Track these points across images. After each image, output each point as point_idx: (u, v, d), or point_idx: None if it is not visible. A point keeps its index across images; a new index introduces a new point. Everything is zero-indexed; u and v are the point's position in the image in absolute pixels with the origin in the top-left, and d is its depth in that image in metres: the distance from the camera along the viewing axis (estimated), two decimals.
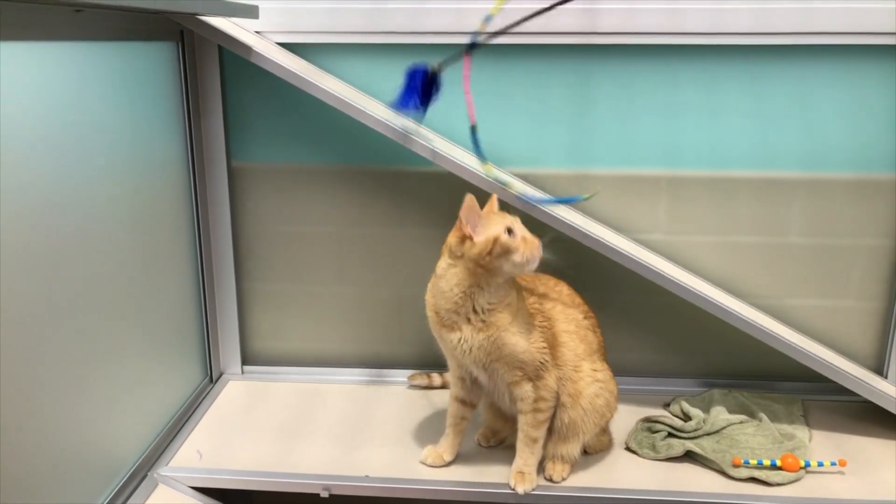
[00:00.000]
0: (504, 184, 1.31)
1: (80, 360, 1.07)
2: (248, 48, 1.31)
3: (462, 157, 1.37)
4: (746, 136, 1.44)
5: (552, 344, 1.21)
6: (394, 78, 1.44)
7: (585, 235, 1.35)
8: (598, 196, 1.48)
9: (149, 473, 1.26)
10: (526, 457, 1.22)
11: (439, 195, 1.51)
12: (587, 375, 1.23)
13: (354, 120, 1.35)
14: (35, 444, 0.98)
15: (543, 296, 1.25)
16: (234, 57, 1.42)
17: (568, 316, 1.25)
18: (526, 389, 1.18)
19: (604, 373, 1.26)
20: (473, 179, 1.34)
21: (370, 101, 1.41)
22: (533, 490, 1.21)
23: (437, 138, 1.42)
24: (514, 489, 1.21)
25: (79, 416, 1.08)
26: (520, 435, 1.22)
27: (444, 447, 1.28)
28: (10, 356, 0.92)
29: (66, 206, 1.03)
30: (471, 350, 1.16)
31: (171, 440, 1.36)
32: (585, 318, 1.28)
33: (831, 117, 1.41)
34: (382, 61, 1.45)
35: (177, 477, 1.26)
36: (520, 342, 1.15)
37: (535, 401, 1.18)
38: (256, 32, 1.42)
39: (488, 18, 1.22)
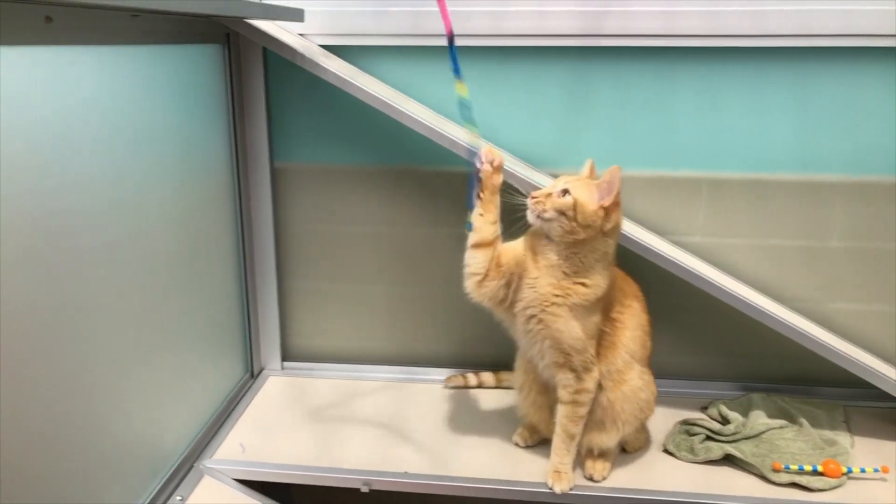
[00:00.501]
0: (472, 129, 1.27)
1: (128, 355, 1.11)
2: (292, 50, 1.34)
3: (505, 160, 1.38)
4: (788, 138, 1.43)
5: (609, 346, 1.22)
6: (434, 80, 1.46)
7: (623, 237, 1.35)
8: (637, 198, 1.48)
9: (194, 465, 1.30)
10: (562, 455, 1.23)
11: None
12: (635, 374, 1.24)
13: (394, 121, 1.37)
14: (87, 436, 1.01)
15: (629, 305, 1.25)
16: (277, 59, 1.45)
17: (639, 321, 1.26)
18: (568, 377, 1.19)
19: (648, 376, 1.27)
20: (511, 179, 1.35)
21: (410, 103, 1.43)
22: (570, 489, 1.22)
23: (477, 139, 1.43)
24: (551, 488, 1.22)
25: (128, 410, 1.12)
26: (557, 430, 1.23)
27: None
28: (63, 351, 0.95)
29: (120, 204, 1.07)
30: (535, 288, 1.17)
31: (215, 433, 1.40)
32: (649, 322, 1.30)
33: (874, 120, 1.40)
34: (423, 63, 1.46)
35: (221, 469, 1.30)
36: (576, 329, 1.16)
37: (577, 392, 1.19)
38: (300, 35, 1.44)
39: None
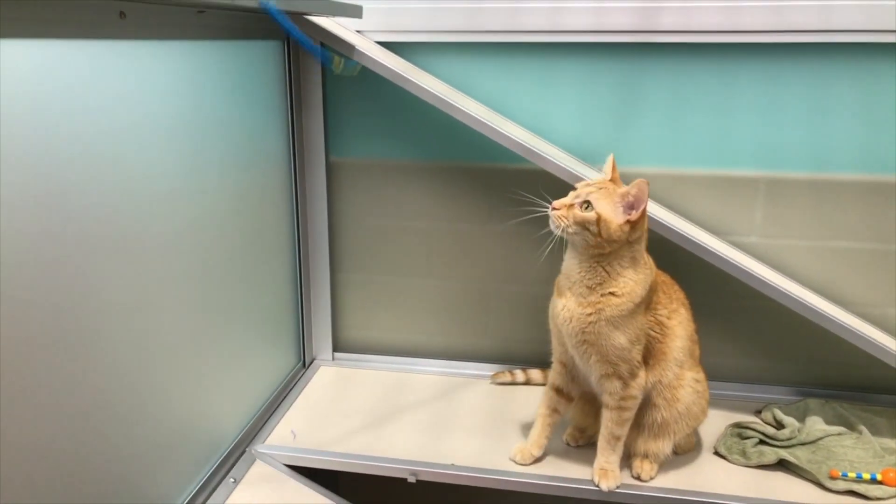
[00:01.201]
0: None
1: (186, 342, 1.15)
2: (350, 46, 1.36)
3: (555, 155, 1.38)
4: (851, 137, 1.39)
5: (659, 357, 1.20)
6: (490, 76, 1.47)
7: (680, 236, 1.34)
8: (693, 197, 1.46)
9: (247, 450, 1.34)
10: (608, 454, 1.22)
11: (529, 192, 1.52)
12: (688, 385, 1.22)
13: (446, 117, 1.38)
14: (147, 419, 1.06)
15: (675, 311, 1.23)
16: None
17: (686, 329, 1.23)
18: (615, 385, 1.18)
19: (703, 383, 1.25)
20: (565, 176, 1.35)
21: (465, 99, 1.44)
22: (617, 487, 1.21)
23: (530, 135, 1.44)
24: (597, 486, 1.21)
25: (185, 395, 1.16)
26: (603, 432, 1.22)
27: (532, 442, 1.29)
28: (126, 338, 1.00)
29: (182, 196, 1.11)
30: (570, 320, 1.16)
31: (267, 420, 1.43)
32: (696, 329, 1.27)
33: None
34: (479, 60, 1.47)
35: (273, 454, 1.33)
36: (619, 338, 1.14)
37: (622, 399, 1.18)
38: (357, 31, 1.47)
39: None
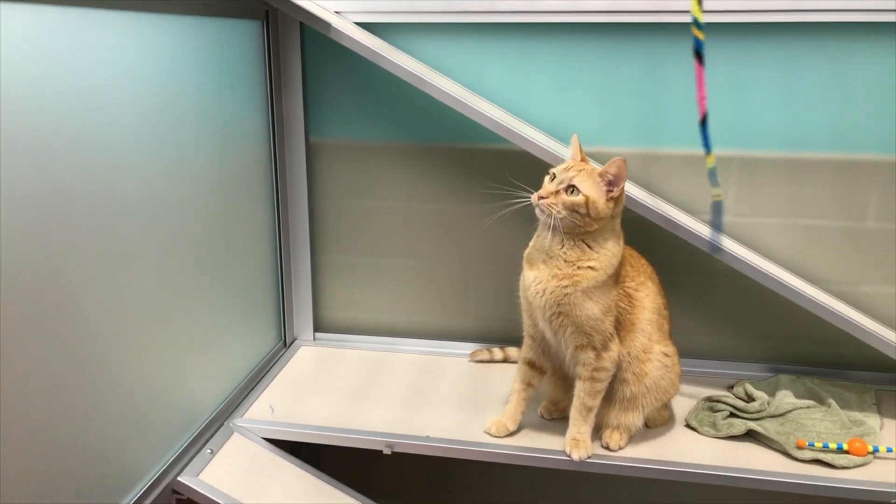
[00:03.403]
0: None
1: (166, 316, 1.17)
2: (327, 24, 1.38)
3: (533, 135, 1.40)
4: (822, 116, 1.41)
5: (628, 328, 1.22)
6: (468, 57, 1.49)
7: (655, 214, 1.36)
8: (669, 176, 1.48)
9: (225, 423, 1.35)
10: (579, 425, 1.24)
11: (509, 172, 1.53)
12: (656, 359, 1.24)
13: (427, 98, 1.40)
14: (121, 391, 1.07)
15: (643, 283, 1.25)
16: (314, 37, 1.50)
17: (653, 302, 1.26)
18: (589, 356, 1.20)
19: (672, 357, 1.27)
20: (545, 157, 1.37)
21: (444, 79, 1.46)
22: (588, 457, 1.23)
23: (508, 116, 1.45)
24: (569, 455, 1.23)
25: (164, 368, 1.17)
26: (575, 402, 1.24)
27: (508, 416, 1.31)
28: (104, 312, 1.01)
29: (158, 175, 1.12)
30: (543, 293, 1.18)
31: (246, 395, 1.45)
32: (665, 305, 1.29)
33: None
34: (457, 41, 1.49)
35: (250, 428, 1.35)
36: (593, 309, 1.17)
37: (595, 370, 1.20)
38: (336, 13, 1.48)
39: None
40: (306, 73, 1.55)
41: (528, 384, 1.30)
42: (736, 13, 1.36)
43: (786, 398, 1.37)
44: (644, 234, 1.41)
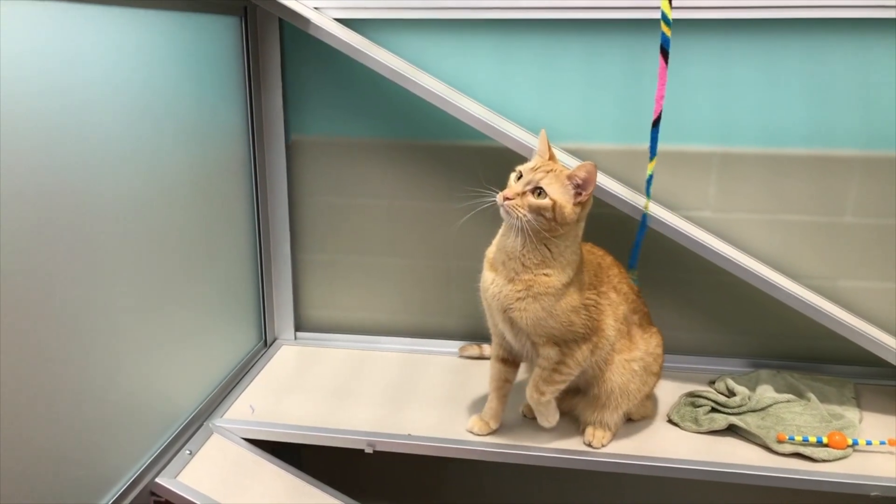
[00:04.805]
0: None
1: (143, 315, 1.15)
2: (306, 20, 1.37)
3: (514, 131, 1.40)
4: (801, 112, 1.42)
5: (593, 333, 1.21)
6: (450, 54, 1.48)
7: (634, 208, 1.36)
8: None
9: (204, 423, 1.33)
10: (532, 393, 1.24)
11: (490, 169, 1.53)
12: (618, 366, 1.23)
13: (408, 95, 1.39)
14: (97, 391, 1.05)
15: (605, 293, 1.23)
16: (293, 34, 1.48)
17: (617, 314, 1.23)
18: (551, 352, 1.19)
19: (639, 362, 1.25)
20: (524, 152, 1.36)
21: (425, 76, 1.45)
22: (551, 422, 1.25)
23: (489, 113, 1.45)
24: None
25: (138, 368, 1.15)
26: (529, 383, 1.24)
27: (489, 414, 1.30)
28: (81, 311, 1.00)
29: (134, 172, 1.10)
30: (498, 296, 1.17)
31: (226, 395, 1.43)
32: (632, 304, 1.27)
33: (889, 94, 1.38)
34: (437, 37, 1.48)
35: (230, 428, 1.33)
36: (545, 313, 1.15)
37: (558, 363, 1.19)
38: (315, 8, 1.47)
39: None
40: (286, 70, 1.53)
41: (505, 380, 1.30)
42: (715, 9, 1.37)
43: (766, 392, 1.38)
44: (624, 231, 1.41)
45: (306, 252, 1.66)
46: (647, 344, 1.27)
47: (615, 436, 1.28)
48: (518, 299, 1.15)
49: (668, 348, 1.49)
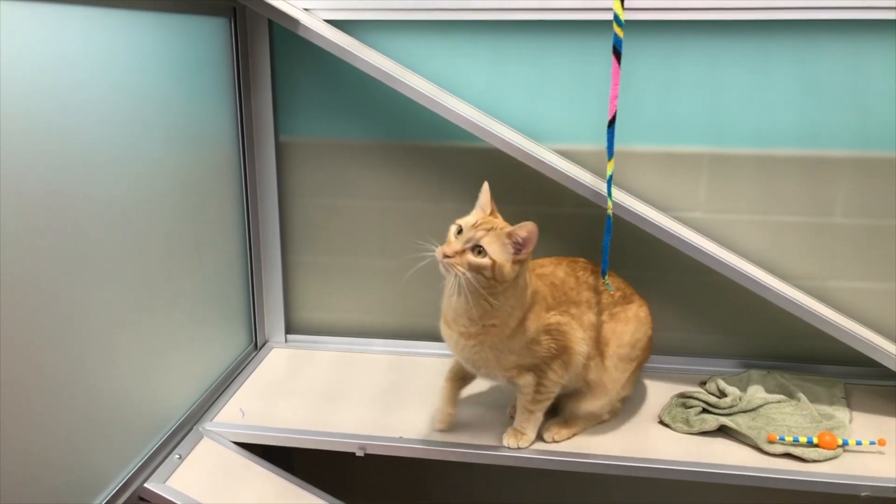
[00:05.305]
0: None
1: (132, 318, 1.14)
2: (296, 21, 1.36)
3: (505, 133, 1.39)
4: (792, 113, 1.42)
5: (562, 352, 1.21)
6: (438, 55, 1.47)
7: (625, 209, 1.36)
8: (640, 173, 1.48)
9: (194, 427, 1.32)
10: (522, 421, 1.26)
11: (480, 170, 1.53)
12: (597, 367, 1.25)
13: (398, 96, 1.38)
14: (85, 395, 1.04)
15: (565, 311, 1.23)
16: (282, 35, 1.48)
17: (583, 323, 1.24)
18: (527, 379, 1.21)
19: (612, 347, 1.26)
20: (517, 154, 1.36)
21: (415, 77, 1.44)
22: (525, 447, 1.25)
23: (479, 114, 1.45)
24: (505, 444, 1.26)
25: (131, 372, 1.15)
26: (518, 402, 1.26)
27: (443, 410, 1.31)
28: (70, 314, 0.99)
29: (124, 174, 1.09)
30: (456, 347, 1.20)
31: (216, 399, 1.42)
32: (598, 304, 1.27)
33: (879, 94, 1.38)
34: (428, 39, 1.48)
35: (220, 432, 1.32)
36: (506, 358, 1.17)
37: (537, 385, 1.22)
38: (305, 10, 1.46)
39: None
40: (275, 71, 1.53)
41: (458, 390, 1.32)
42: (707, 10, 1.37)
43: (757, 393, 1.38)
44: (614, 231, 1.41)
45: (296, 254, 1.66)
46: (620, 337, 1.27)
47: (605, 436, 1.28)
48: (475, 351, 1.17)
49: (660, 349, 1.50)
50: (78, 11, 0.97)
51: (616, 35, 1.15)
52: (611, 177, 1.25)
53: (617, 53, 1.16)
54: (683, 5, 1.37)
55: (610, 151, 1.23)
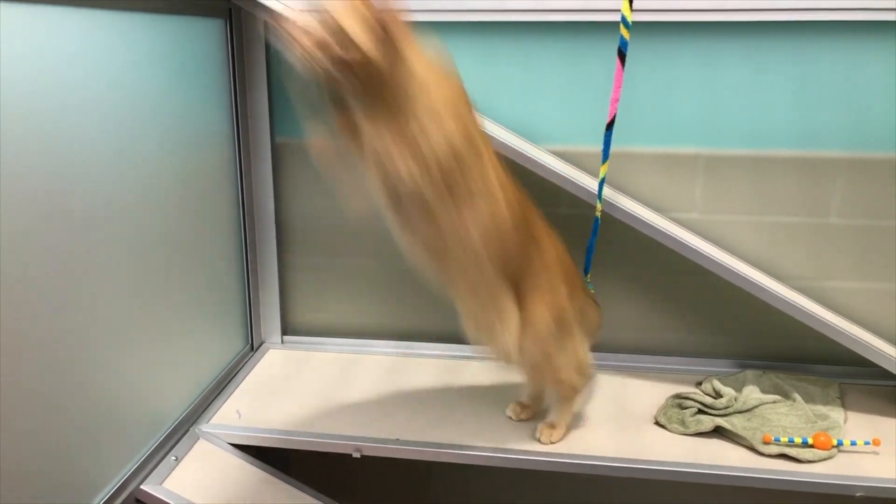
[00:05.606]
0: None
1: (128, 322, 1.14)
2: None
3: (499, 133, 1.39)
4: (787, 114, 1.42)
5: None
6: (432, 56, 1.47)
7: (621, 211, 1.36)
8: (636, 174, 1.48)
9: (191, 429, 1.33)
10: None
11: None
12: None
13: None
14: (88, 394, 1.05)
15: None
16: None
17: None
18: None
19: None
20: (517, 158, 1.36)
21: None
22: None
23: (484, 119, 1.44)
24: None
25: (127, 373, 1.15)
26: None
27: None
28: (66, 316, 0.99)
29: (119, 176, 1.09)
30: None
31: (213, 400, 1.42)
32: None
33: (875, 95, 1.39)
34: (420, 39, 1.47)
35: (217, 433, 1.32)
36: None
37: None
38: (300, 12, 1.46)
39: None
40: (271, 73, 1.53)
41: None
42: (703, 12, 1.37)
43: (752, 393, 1.38)
44: (611, 232, 1.41)
45: (293, 255, 1.66)
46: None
47: (602, 438, 1.29)
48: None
49: (656, 349, 1.51)
50: (75, 13, 0.97)
51: (622, 37, 1.14)
52: (603, 179, 1.26)
53: (621, 56, 1.16)
54: (679, 7, 1.37)
55: (606, 154, 1.23)
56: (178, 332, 1.31)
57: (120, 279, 1.11)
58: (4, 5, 0.85)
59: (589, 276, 1.29)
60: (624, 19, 1.14)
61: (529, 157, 1.36)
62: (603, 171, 1.24)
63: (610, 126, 1.20)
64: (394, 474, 1.71)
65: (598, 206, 1.27)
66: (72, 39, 0.97)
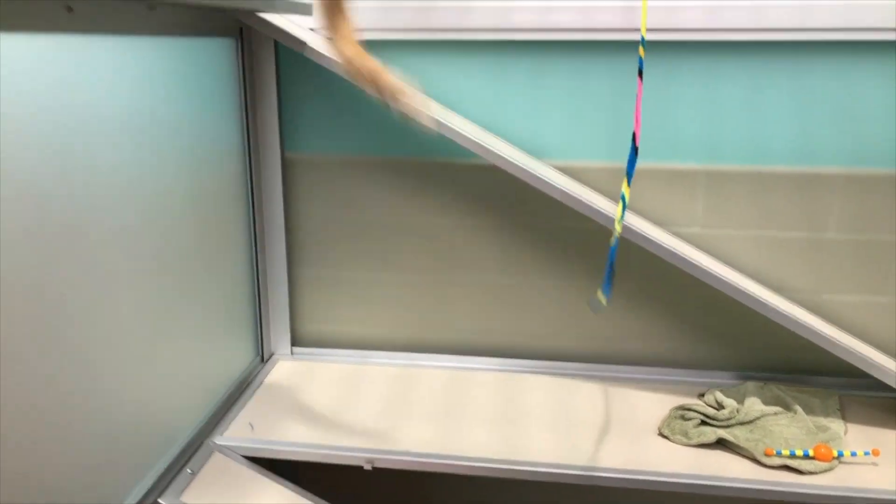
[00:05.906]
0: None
1: (141, 337, 1.16)
2: (301, 42, 1.39)
3: (505, 150, 1.42)
4: (787, 131, 1.46)
5: None
6: (441, 74, 1.50)
7: (625, 226, 1.39)
8: (639, 190, 1.52)
9: (204, 442, 1.35)
10: None
11: (483, 185, 1.56)
12: None
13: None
14: (103, 411, 1.07)
15: None
16: (288, 54, 1.50)
17: None
18: None
19: None
20: (515, 171, 1.39)
21: None
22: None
23: (481, 132, 1.48)
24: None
25: (141, 388, 1.17)
26: None
27: None
28: (79, 332, 1.01)
29: (134, 193, 1.11)
30: None
31: (225, 413, 1.45)
32: None
33: (873, 113, 1.42)
34: (431, 58, 1.51)
35: (231, 446, 1.34)
36: None
37: None
38: (311, 29, 1.49)
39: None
40: (281, 90, 1.55)
41: None
42: (704, 31, 1.41)
43: (754, 405, 1.41)
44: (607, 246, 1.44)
45: (302, 267, 1.68)
46: None
47: (608, 451, 1.31)
48: None
49: (659, 361, 1.54)
50: (88, 40, 0.99)
51: (640, 58, 1.16)
52: (624, 199, 1.24)
53: (641, 75, 1.17)
54: (681, 26, 1.40)
55: (630, 174, 1.22)
56: (191, 346, 1.34)
57: (133, 294, 1.13)
58: (20, 35, 0.87)
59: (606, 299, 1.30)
60: (643, 39, 1.16)
61: (531, 173, 1.39)
62: (626, 191, 1.23)
63: (635, 148, 1.20)
64: (404, 485, 1.73)
65: (618, 227, 1.26)
66: (86, 64, 0.99)
